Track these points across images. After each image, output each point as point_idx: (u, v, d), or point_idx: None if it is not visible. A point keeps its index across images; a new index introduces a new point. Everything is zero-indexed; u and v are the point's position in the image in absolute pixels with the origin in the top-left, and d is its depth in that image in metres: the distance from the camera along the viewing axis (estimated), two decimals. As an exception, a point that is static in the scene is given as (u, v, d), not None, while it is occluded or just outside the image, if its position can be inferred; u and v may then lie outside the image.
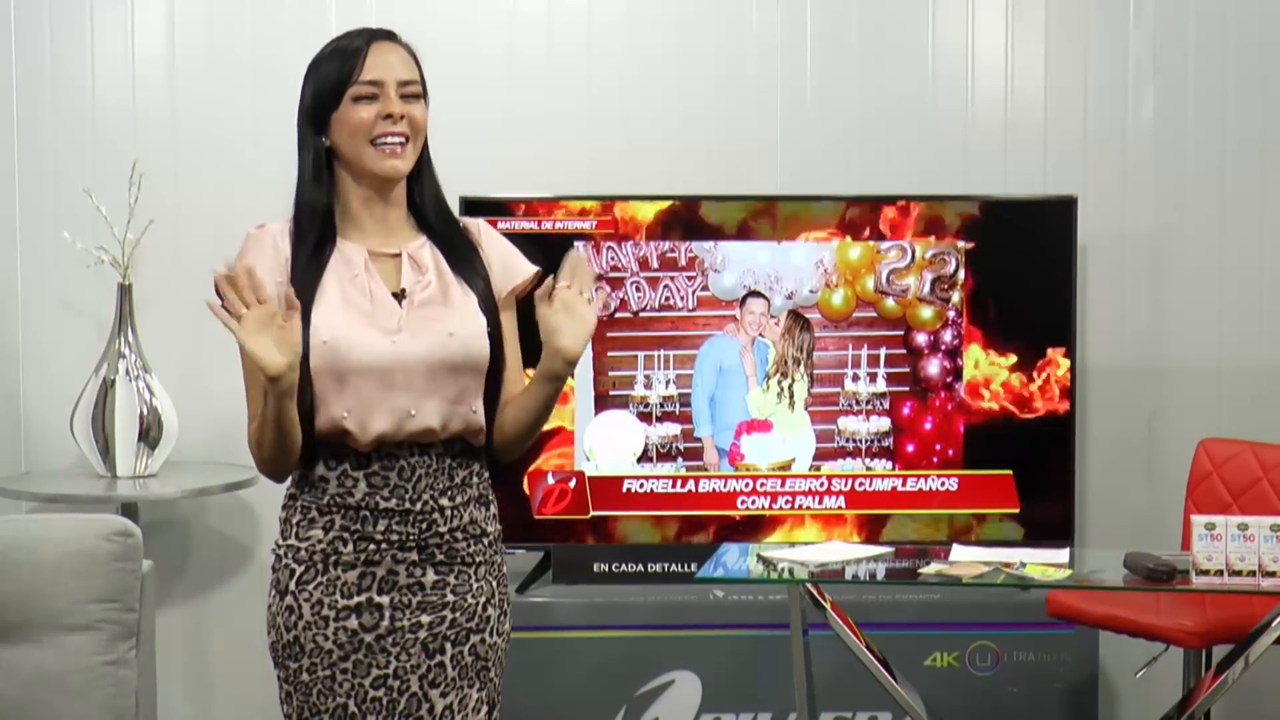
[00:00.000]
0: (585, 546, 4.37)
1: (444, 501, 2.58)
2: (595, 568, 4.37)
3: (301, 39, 4.50)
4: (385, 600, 2.55)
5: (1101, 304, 4.62)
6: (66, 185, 4.48)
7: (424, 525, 2.56)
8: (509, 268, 2.69)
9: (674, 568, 4.36)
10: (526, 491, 4.31)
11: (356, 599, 2.55)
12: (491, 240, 2.71)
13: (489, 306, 2.63)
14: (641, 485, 4.36)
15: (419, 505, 2.56)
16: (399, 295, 2.59)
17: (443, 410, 2.56)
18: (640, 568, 4.37)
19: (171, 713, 4.45)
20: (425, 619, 2.57)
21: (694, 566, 4.00)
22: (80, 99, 4.55)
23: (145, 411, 4.25)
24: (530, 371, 2.63)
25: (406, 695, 2.56)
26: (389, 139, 2.57)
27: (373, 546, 2.55)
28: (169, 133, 4.55)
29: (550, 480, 4.33)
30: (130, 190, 4.34)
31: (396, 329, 2.56)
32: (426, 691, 2.57)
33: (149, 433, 4.27)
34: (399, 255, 2.62)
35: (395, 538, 2.55)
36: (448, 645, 2.58)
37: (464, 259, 2.65)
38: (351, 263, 2.60)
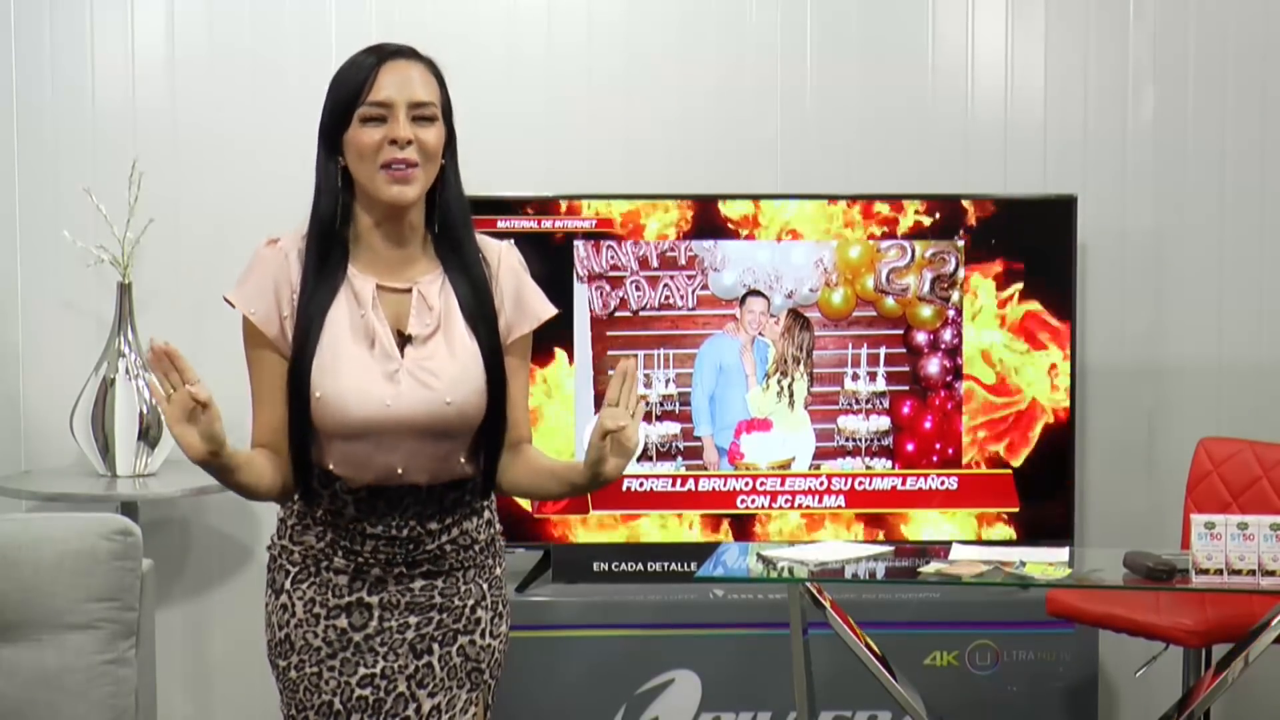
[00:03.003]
0: (585, 545, 4.37)
1: (432, 525, 2.56)
2: (595, 567, 4.37)
3: (301, 39, 4.55)
4: (375, 600, 2.55)
5: (1101, 303, 4.62)
6: (66, 184, 4.48)
7: (411, 546, 2.56)
8: (523, 308, 2.60)
9: (673, 567, 4.36)
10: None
11: (347, 599, 2.55)
12: (509, 274, 2.60)
13: (492, 350, 2.55)
14: (641, 484, 4.36)
15: (405, 531, 2.55)
16: (404, 337, 2.52)
17: (430, 468, 2.53)
18: (640, 567, 4.37)
19: (171, 712, 4.45)
20: (413, 620, 2.56)
21: (694, 566, 4.00)
22: (80, 99, 4.55)
23: (145, 410, 4.25)
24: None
25: (394, 695, 2.56)
26: (396, 165, 2.46)
27: (361, 560, 2.56)
28: (169, 132, 4.55)
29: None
30: (130, 189, 4.34)
31: (393, 383, 2.49)
32: (414, 691, 2.56)
33: (149, 431, 4.27)
34: (410, 290, 2.54)
35: (382, 556, 2.55)
36: (435, 646, 2.57)
37: (475, 296, 2.55)
38: (360, 299, 2.51)
